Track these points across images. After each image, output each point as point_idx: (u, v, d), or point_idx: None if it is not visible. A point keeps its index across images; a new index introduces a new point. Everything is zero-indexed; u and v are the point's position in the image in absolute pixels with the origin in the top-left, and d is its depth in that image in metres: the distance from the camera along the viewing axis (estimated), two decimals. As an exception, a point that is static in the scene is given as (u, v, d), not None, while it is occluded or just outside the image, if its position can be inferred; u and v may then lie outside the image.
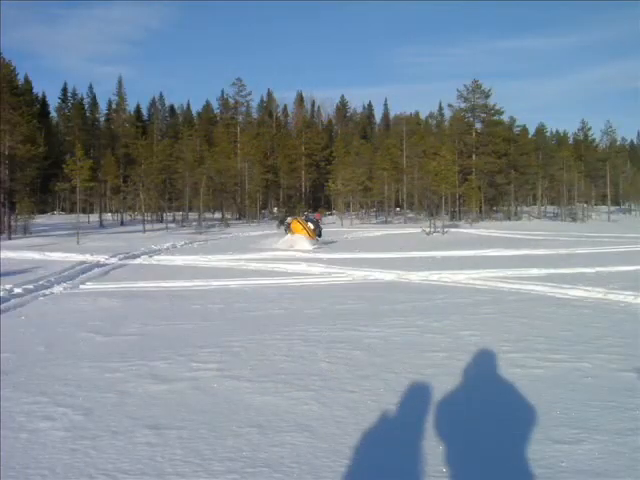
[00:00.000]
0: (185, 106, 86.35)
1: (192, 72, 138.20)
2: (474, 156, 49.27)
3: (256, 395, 3.97)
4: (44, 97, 64.49)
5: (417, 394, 3.97)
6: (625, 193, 67.34)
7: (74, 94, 67.38)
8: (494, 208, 54.68)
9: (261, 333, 5.95)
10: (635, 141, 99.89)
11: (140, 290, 9.59)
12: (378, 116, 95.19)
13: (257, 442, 3.17)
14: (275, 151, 62.58)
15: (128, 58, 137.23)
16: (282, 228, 23.46)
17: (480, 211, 50.11)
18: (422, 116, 77.93)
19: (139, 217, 42.55)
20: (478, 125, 51.52)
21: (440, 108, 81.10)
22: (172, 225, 42.16)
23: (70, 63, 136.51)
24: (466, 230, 32.81)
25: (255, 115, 70.92)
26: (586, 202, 54.05)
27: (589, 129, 62.48)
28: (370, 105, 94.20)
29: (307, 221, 20.70)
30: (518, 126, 57.96)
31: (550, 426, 3.35)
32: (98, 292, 9.29)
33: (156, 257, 16.05)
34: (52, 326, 6.46)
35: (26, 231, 30.61)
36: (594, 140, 62.21)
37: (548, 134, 74.65)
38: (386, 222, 49.02)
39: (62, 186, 28.63)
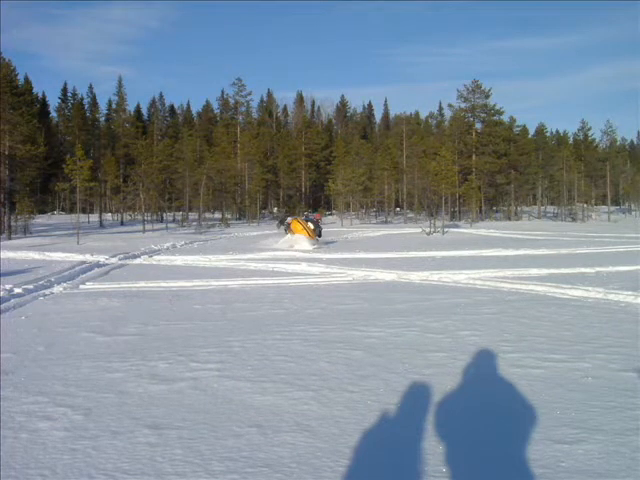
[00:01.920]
0: (185, 106, 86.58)
1: (192, 72, 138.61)
2: (474, 156, 49.28)
3: (256, 395, 3.97)
4: (44, 97, 64.59)
5: (417, 394, 3.97)
6: (625, 193, 67.37)
7: (74, 94, 67.44)
8: (494, 208, 54.72)
9: (261, 333, 5.95)
10: (635, 141, 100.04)
11: (140, 290, 9.58)
12: (378, 116, 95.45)
13: (257, 442, 3.17)
14: (275, 151, 62.57)
15: (128, 58, 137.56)
16: (282, 228, 23.48)
17: (480, 211, 50.14)
18: (422, 116, 78.10)
19: (139, 217, 42.63)
20: (478, 125, 51.60)
21: (440, 108, 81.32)
22: (172, 225, 42.17)
23: (70, 63, 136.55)
24: (466, 230, 32.81)
25: (255, 115, 70.96)
26: (586, 202, 54.05)
27: (589, 129, 62.42)
28: (370, 105, 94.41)
29: (307, 221, 20.70)
30: (518, 126, 58.05)
31: (550, 426, 3.35)
32: (98, 292, 9.29)
33: (156, 257, 16.04)
34: (52, 326, 6.46)
35: (26, 231, 30.62)
36: (594, 140, 62.16)
37: (548, 134, 74.67)
38: (386, 222, 49.05)
39: (62, 186, 28.56)
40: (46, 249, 18.24)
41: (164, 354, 5.09)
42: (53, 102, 69.87)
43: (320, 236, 20.96)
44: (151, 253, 17.36)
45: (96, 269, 12.82)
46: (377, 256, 15.90)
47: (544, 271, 11.42)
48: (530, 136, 64.79)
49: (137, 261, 15.05)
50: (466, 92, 50.69)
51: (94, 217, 48.22)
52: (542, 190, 57.27)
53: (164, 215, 49.82)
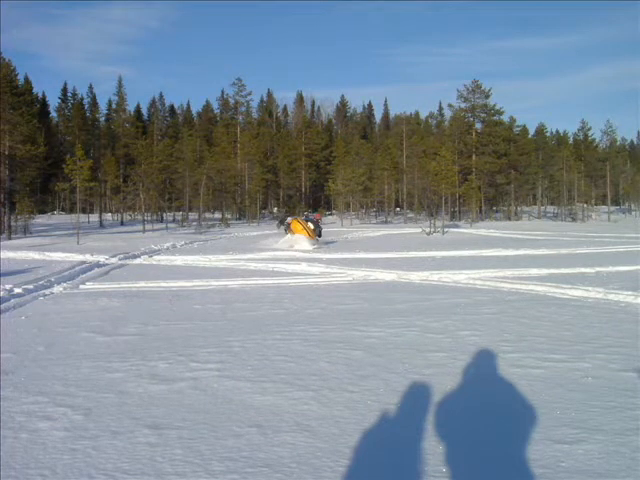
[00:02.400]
0: (185, 106, 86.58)
1: (192, 72, 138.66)
2: (474, 156, 49.28)
3: (256, 395, 3.97)
4: (44, 97, 64.58)
5: (417, 394, 3.97)
6: (625, 193, 67.37)
7: (74, 94, 67.44)
8: (494, 208, 54.73)
9: (261, 333, 5.95)
10: (635, 141, 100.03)
11: (140, 290, 9.58)
12: (378, 116, 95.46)
13: (257, 442, 3.17)
14: (275, 151, 62.58)
15: (128, 58, 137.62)
16: (282, 228, 23.49)
17: (480, 211, 50.14)
18: (422, 116, 78.12)
19: (139, 217, 42.64)
20: (478, 125, 51.60)
21: (440, 108, 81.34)
22: (172, 225, 42.17)
23: (70, 63, 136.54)
24: (466, 230, 32.81)
25: (255, 115, 70.95)
26: (586, 202, 54.05)
27: (589, 129, 62.40)
28: (370, 105, 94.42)
29: (307, 221, 20.71)
30: (518, 126, 58.04)
31: (550, 426, 3.35)
32: (98, 292, 9.29)
33: (156, 257, 16.04)
34: (52, 326, 6.46)
35: (26, 231, 30.62)
36: (594, 140, 62.15)
37: (548, 134, 74.65)
38: (386, 222, 49.05)
39: (62, 186, 28.56)
40: (46, 249, 18.24)
41: (164, 354, 5.09)
42: (53, 102, 70.13)
43: (320, 236, 20.96)
44: (151, 253, 17.36)
45: (96, 269, 12.82)
46: (377, 256, 15.90)
47: (544, 271, 11.41)
48: (530, 136, 64.81)
49: (137, 261, 15.05)
50: (466, 92, 50.73)
51: (94, 217, 48.23)
52: (542, 190, 57.28)
53: (164, 215, 49.83)
